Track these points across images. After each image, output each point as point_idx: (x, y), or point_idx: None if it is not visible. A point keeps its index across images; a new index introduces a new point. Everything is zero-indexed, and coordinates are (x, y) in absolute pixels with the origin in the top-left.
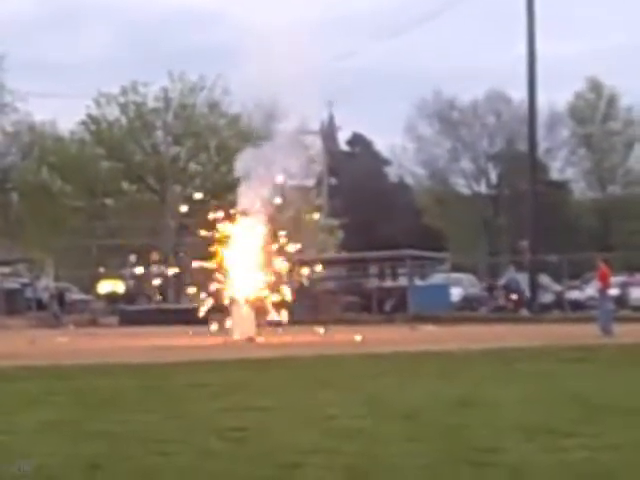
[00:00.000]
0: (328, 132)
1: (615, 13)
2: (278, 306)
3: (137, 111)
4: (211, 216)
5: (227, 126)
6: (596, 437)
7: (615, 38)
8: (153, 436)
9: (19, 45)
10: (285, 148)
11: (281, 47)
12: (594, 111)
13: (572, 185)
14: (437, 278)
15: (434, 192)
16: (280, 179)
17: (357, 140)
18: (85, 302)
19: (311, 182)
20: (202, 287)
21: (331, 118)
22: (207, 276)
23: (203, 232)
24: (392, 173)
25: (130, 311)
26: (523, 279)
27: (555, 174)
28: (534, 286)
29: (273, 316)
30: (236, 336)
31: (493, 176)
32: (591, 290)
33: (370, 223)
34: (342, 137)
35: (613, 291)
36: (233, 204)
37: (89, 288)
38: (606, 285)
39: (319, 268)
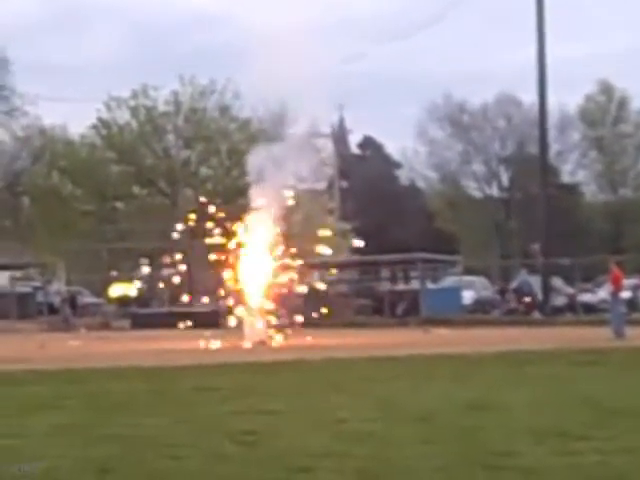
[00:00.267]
0: (339, 135)
1: (626, 15)
2: (289, 309)
3: (148, 115)
4: (222, 219)
5: (238, 130)
6: (608, 440)
7: (626, 40)
8: (164, 440)
9: (23, 48)
10: (296, 151)
11: (290, 50)
12: (605, 114)
13: (583, 188)
14: (449, 281)
15: (446, 195)
16: (291, 181)
17: (368, 143)
18: (97, 305)
19: (322, 185)
20: (213, 290)
21: (342, 121)
22: (218, 279)
23: (215, 235)
24: (403, 176)
25: (142, 314)
26: (535, 282)
27: (566, 177)
28: (546, 289)
29: (284, 319)
30: (248, 339)
31: (505, 179)
32: (603, 293)
33: (382, 226)
34: (353, 140)
35: (625, 294)
36: (245, 208)
37: (100, 292)
38: (618, 288)
39: (331, 271)
